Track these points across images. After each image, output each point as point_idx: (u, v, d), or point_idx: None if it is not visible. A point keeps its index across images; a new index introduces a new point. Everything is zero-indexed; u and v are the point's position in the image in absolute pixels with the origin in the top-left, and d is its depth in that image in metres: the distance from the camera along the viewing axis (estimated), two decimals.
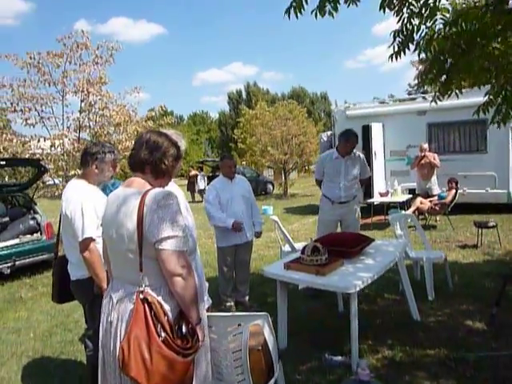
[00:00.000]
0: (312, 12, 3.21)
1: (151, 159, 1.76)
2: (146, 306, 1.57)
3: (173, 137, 1.95)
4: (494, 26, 3.48)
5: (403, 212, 8.18)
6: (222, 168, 4.33)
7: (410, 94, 22.72)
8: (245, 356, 1.98)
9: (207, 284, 2.18)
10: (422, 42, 3.73)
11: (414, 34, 3.59)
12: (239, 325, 1.97)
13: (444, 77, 4.03)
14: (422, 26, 3.58)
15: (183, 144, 2.30)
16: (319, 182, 4.87)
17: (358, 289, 2.76)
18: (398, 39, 3.64)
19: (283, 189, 17.69)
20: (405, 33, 3.60)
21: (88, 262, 2.38)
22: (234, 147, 29.78)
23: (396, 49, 3.67)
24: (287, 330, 3.30)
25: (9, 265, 5.92)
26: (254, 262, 6.27)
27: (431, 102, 4.14)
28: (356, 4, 3.27)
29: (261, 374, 2.04)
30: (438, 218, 8.48)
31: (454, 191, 7.89)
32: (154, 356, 1.50)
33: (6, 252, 5.98)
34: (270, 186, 19.86)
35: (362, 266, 3.17)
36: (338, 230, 4.71)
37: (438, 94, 4.08)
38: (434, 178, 8.50)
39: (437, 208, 7.94)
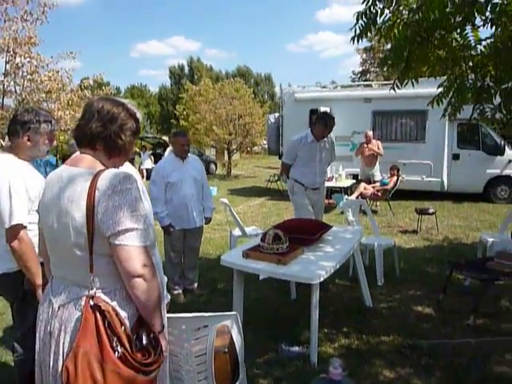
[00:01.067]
0: None
1: (105, 133, 1.43)
2: (97, 314, 1.27)
3: (129, 106, 1.62)
4: (454, 17, 3.46)
5: (346, 196, 8.36)
6: (174, 145, 3.95)
7: (353, 81, 23.27)
8: (210, 360, 1.77)
9: (166, 278, 1.91)
10: (383, 27, 3.65)
11: (378, 18, 3.49)
12: (205, 326, 1.74)
13: (403, 65, 3.99)
14: (386, 11, 3.49)
15: (139, 116, 1.96)
16: (288, 167, 4.54)
17: (321, 279, 2.65)
18: (360, 21, 3.52)
19: (226, 169, 17.42)
20: (368, 15, 3.48)
21: (17, 254, 1.99)
22: (175, 124, 28.75)
23: (358, 31, 3.55)
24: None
25: None
26: (202, 246, 5.99)
27: (390, 89, 4.10)
28: None
29: (225, 377, 1.84)
30: (378, 204, 8.77)
31: (395, 178, 8.18)
32: (108, 377, 1.22)
33: None
34: (212, 166, 19.43)
35: (322, 254, 3.07)
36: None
37: (396, 81, 4.03)
38: (377, 165, 8.75)
39: (379, 194, 8.20)
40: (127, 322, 1.34)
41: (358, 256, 3.60)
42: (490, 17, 3.28)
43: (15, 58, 7.21)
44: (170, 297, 1.90)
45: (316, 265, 2.82)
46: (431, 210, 6.43)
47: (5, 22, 7.22)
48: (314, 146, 4.33)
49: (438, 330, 3.23)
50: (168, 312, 1.88)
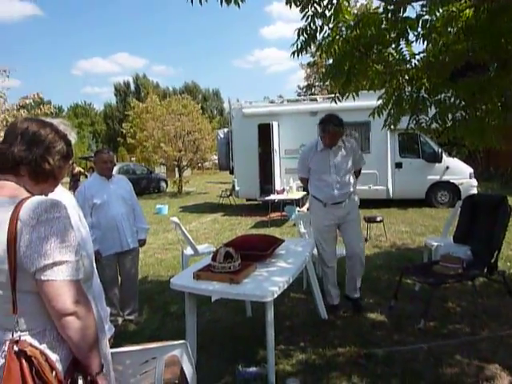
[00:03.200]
0: None
1: (29, 157, 1.30)
2: (22, 361, 1.13)
3: (60, 127, 1.50)
4: (389, 32, 3.64)
5: (298, 208, 8.46)
6: (97, 164, 3.69)
7: (299, 95, 23.93)
8: None
9: (108, 309, 1.77)
10: (323, 43, 3.76)
11: (317, 34, 3.59)
12: (153, 358, 1.61)
13: (343, 79, 4.12)
14: (325, 27, 3.59)
15: (73, 137, 1.82)
16: (306, 181, 4.03)
17: (275, 296, 2.59)
18: (301, 37, 3.59)
19: (178, 186, 17.12)
20: (308, 32, 3.56)
21: None
22: (122, 142, 27.92)
23: (299, 46, 3.63)
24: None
25: None
26: (152, 268, 5.81)
27: (331, 102, 4.22)
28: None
29: None
30: None
31: None
32: None
33: None
34: (163, 184, 19.04)
35: (275, 269, 3.02)
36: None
37: (337, 95, 4.15)
38: None
39: None
40: (59, 366, 1.20)
41: (310, 268, 3.60)
42: (421, 32, 3.48)
43: None
44: (113, 329, 1.76)
45: (269, 281, 2.77)
46: (379, 218, 6.65)
47: None
48: (326, 154, 3.71)
49: (392, 336, 3.28)
50: (114, 344, 1.74)
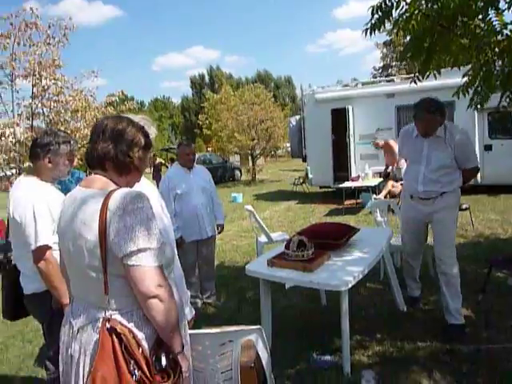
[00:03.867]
0: None
1: (111, 152, 1.41)
2: (113, 337, 1.25)
3: (140, 123, 1.60)
4: (476, 2, 3.31)
5: (374, 196, 8.16)
6: (179, 156, 3.93)
7: (375, 77, 22.84)
8: (236, 375, 1.72)
9: (189, 293, 1.88)
10: (400, 20, 3.54)
11: (393, 11, 3.39)
12: (230, 341, 1.69)
13: (423, 56, 3.85)
14: (402, 3, 3.38)
15: (153, 131, 1.95)
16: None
17: (349, 286, 2.56)
18: (375, 15, 3.42)
19: (251, 175, 17.44)
20: (383, 9, 3.38)
21: (44, 274, 2.02)
22: (198, 133, 29.11)
23: (373, 24, 3.46)
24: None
25: None
26: (229, 254, 6.03)
27: (410, 82, 3.97)
28: None
29: None
30: None
31: None
32: None
33: None
34: (237, 173, 19.53)
35: (350, 259, 2.97)
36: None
37: (417, 74, 3.89)
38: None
39: None
40: (145, 344, 1.31)
41: (388, 258, 3.48)
42: None
43: (41, 80, 7.45)
44: (194, 312, 1.87)
45: (344, 271, 2.73)
46: (465, 206, 6.15)
47: (30, 47, 7.51)
48: (420, 142, 3.25)
49: (480, 333, 3.06)
50: (194, 325, 1.85)
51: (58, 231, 1.51)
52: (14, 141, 7.41)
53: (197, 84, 45.93)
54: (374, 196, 8.02)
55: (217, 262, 4.90)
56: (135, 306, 1.34)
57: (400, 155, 3.60)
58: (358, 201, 9.01)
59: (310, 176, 10.87)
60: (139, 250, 1.27)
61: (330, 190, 11.05)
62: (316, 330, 3.34)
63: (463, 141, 3.21)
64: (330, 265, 2.86)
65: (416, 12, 3.47)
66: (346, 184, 9.03)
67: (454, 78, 4.59)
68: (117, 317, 1.31)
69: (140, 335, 1.31)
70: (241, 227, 8.08)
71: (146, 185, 1.79)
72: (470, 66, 3.92)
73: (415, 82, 3.82)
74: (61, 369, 1.45)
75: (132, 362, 1.23)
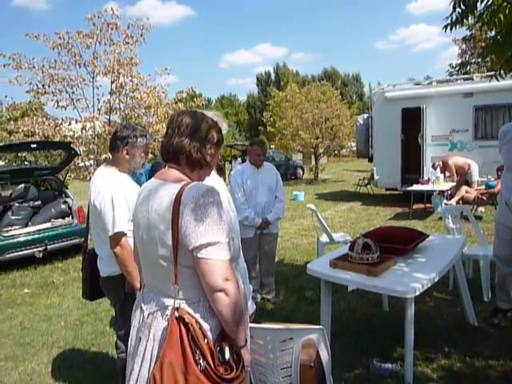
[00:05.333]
0: None
1: (186, 147, 1.44)
2: (181, 326, 1.29)
3: (214, 118, 1.64)
4: None
5: (445, 201, 7.70)
6: (250, 155, 4.01)
7: (451, 74, 21.45)
8: (295, 373, 1.72)
9: (251, 287, 1.91)
10: (485, 13, 3.29)
11: (478, 3, 3.16)
12: (291, 338, 1.70)
13: (509, 52, 3.55)
14: None
15: (225, 127, 2.00)
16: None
17: (417, 293, 2.44)
18: (457, 9, 3.21)
19: (314, 173, 17.25)
20: (466, 2, 3.17)
21: (119, 259, 2.17)
22: (262, 130, 29.33)
23: (454, 19, 3.25)
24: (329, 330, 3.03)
25: (41, 249, 5.90)
26: (288, 252, 6.03)
27: (490, 79, 3.68)
28: None
29: None
30: (482, 210, 7.92)
31: None
32: None
33: (38, 236, 5.95)
34: (299, 171, 19.44)
35: (417, 265, 2.83)
36: None
37: (500, 71, 3.59)
38: (472, 167, 8.02)
39: (484, 198, 7.41)
40: (210, 335, 1.34)
41: (459, 268, 3.26)
42: None
43: (119, 78, 7.98)
44: (255, 307, 1.90)
45: (410, 277, 2.61)
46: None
47: (110, 46, 8.07)
48: None
49: None
50: (254, 320, 1.88)
51: (133, 220, 1.59)
52: (93, 134, 8.02)
53: (263, 81, 46.30)
54: (445, 201, 7.58)
55: (276, 259, 4.92)
56: (202, 297, 1.37)
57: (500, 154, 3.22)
58: (428, 205, 8.55)
59: (376, 177, 10.51)
60: (209, 244, 1.30)
61: (396, 192, 10.61)
62: (377, 335, 3.23)
63: None
64: (396, 270, 2.75)
65: (504, 4, 3.21)
66: (416, 187, 8.59)
67: None
68: (184, 306, 1.36)
69: (206, 326, 1.35)
70: (301, 226, 8.04)
71: (215, 179, 1.84)
72: None
73: (497, 79, 3.54)
74: (129, 350, 1.54)
75: (198, 351, 1.27)
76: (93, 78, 8.10)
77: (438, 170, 8.46)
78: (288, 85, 20.97)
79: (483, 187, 7.66)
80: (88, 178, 8.45)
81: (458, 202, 7.46)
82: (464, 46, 22.24)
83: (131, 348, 1.52)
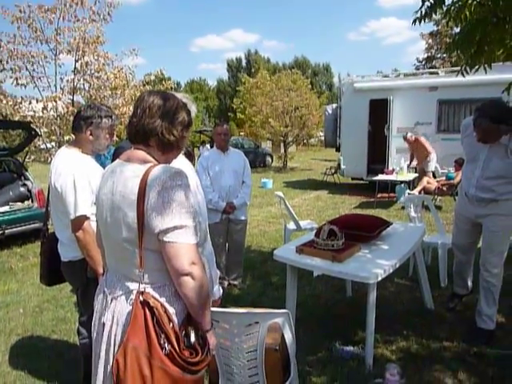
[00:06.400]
0: None
1: (157, 130, 1.40)
2: (146, 310, 1.27)
3: (183, 100, 1.60)
4: None
5: (408, 191, 7.96)
6: (214, 138, 4.02)
7: (417, 68, 22.00)
8: (260, 356, 1.74)
9: (218, 272, 1.90)
10: (452, 9, 3.37)
11: None
12: (256, 322, 1.71)
13: (474, 48, 3.66)
14: None
15: (193, 110, 1.95)
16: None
17: (379, 278, 2.52)
18: (426, 3, 3.28)
19: (282, 162, 17.36)
20: None
21: (81, 243, 2.10)
22: (232, 117, 29.14)
23: (423, 13, 3.32)
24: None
25: None
26: (256, 238, 6.07)
27: (457, 75, 3.79)
28: None
29: (277, 374, 1.81)
30: (441, 198, 8.25)
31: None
32: (155, 373, 1.22)
33: None
34: (268, 159, 19.49)
35: (380, 252, 2.92)
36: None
37: (465, 66, 3.71)
38: (432, 156, 8.30)
39: (444, 188, 7.71)
40: (175, 319, 1.33)
41: (419, 255, 3.40)
42: None
43: (84, 56, 7.64)
44: (221, 291, 1.90)
45: (373, 263, 2.69)
46: None
47: (74, 23, 7.69)
48: (479, 146, 2.98)
49: (510, 338, 2.96)
50: (220, 305, 1.88)
51: (96, 202, 1.54)
52: (55, 114, 7.68)
53: (233, 67, 45.79)
54: (409, 191, 7.84)
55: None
56: (168, 281, 1.35)
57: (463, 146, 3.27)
58: (392, 195, 8.81)
59: (343, 167, 10.71)
60: (175, 227, 1.28)
61: (361, 182, 10.86)
62: (339, 320, 3.33)
63: None
64: (360, 256, 2.82)
65: (470, 1, 3.30)
66: (380, 177, 8.83)
67: (505, 73, 4.36)
68: (150, 290, 1.33)
69: (171, 310, 1.33)
70: (269, 213, 8.10)
71: (183, 162, 1.80)
72: None
73: (462, 75, 3.65)
74: (93, 335, 1.51)
75: (163, 335, 1.25)
76: (55, 55, 7.73)
77: (406, 144, 8.66)
78: (259, 72, 20.85)
79: (444, 178, 7.97)
80: (49, 160, 8.12)
81: (420, 192, 7.73)
82: (430, 40, 22.85)
83: (95, 333, 1.49)
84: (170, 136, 1.43)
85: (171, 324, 1.29)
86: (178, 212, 1.29)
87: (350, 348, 2.85)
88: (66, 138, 7.44)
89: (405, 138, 8.46)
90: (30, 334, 3.37)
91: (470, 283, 3.45)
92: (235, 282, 4.12)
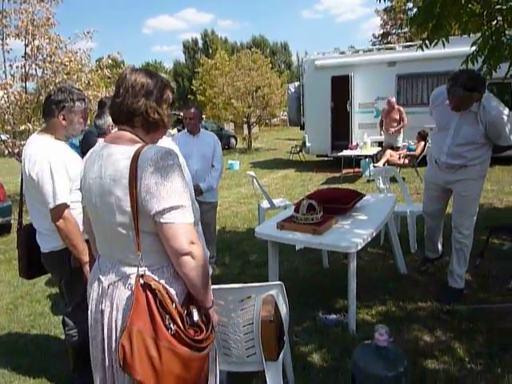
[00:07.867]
0: None
1: (142, 109, 1.36)
2: (148, 293, 1.26)
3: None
4: None
5: (373, 164, 8.21)
6: (184, 120, 3.91)
7: (374, 44, 22.39)
8: (257, 329, 1.79)
9: (209, 253, 1.92)
10: None
11: None
12: (248, 297, 1.75)
13: (433, 23, 3.77)
14: None
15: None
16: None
17: (359, 247, 2.63)
18: None
19: (247, 143, 17.33)
20: None
21: (63, 232, 2.04)
22: (192, 99, 28.58)
23: None
24: None
25: None
26: (229, 220, 6.09)
27: (416, 49, 3.90)
28: None
29: (272, 345, 1.87)
30: (404, 170, 8.57)
31: (422, 144, 7.94)
32: (163, 354, 1.22)
33: None
34: (233, 140, 19.39)
35: (357, 222, 3.03)
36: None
37: (426, 41, 3.82)
38: (404, 128, 8.54)
39: (406, 160, 8.01)
40: (177, 299, 1.33)
41: (391, 224, 3.55)
42: None
43: (34, 40, 7.21)
44: (211, 270, 1.92)
45: (352, 233, 2.80)
46: None
47: (21, 4, 7.20)
48: (451, 114, 3.07)
49: (477, 295, 3.19)
50: None
51: (82, 188, 1.48)
52: (7, 103, 7.24)
53: (190, 49, 44.59)
54: (373, 164, 8.09)
55: (218, 228, 4.96)
56: (166, 262, 1.34)
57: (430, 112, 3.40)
58: (357, 169, 9.06)
59: (308, 144, 10.85)
60: (172, 208, 1.25)
61: (326, 158, 11.07)
62: (320, 291, 3.45)
63: (497, 119, 2.95)
64: (338, 228, 2.92)
65: None
66: (345, 152, 9.04)
67: (461, 46, 4.52)
68: (149, 274, 1.32)
69: (172, 291, 1.33)
70: (239, 194, 8.13)
71: (169, 142, 1.78)
72: (479, 34, 3.86)
73: (422, 49, 3.75)
74: (89, 323, 1.48)
75: (167, 316, 1.25)
76: (2, 39, 7.24)
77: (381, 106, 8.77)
78: (217, 52, 20.51)
79: (405, 150, 8.27)
80: (5, 152, 7.70)
81: (384, 165, 7.99)
82: (385, 16, 23.25)
83: (92, 321, 1.45)
84: (155, 115, 1.39)
85: (174, 304, 1.29)
86: (173, 192, 1.26)
87: (332, 316, 2.97)
88: (22, 127, 7.06)
89: (389, 101, 8.51)
90: (7, 331, 3.26)
91: (440, 247, 3.65)
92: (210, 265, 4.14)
